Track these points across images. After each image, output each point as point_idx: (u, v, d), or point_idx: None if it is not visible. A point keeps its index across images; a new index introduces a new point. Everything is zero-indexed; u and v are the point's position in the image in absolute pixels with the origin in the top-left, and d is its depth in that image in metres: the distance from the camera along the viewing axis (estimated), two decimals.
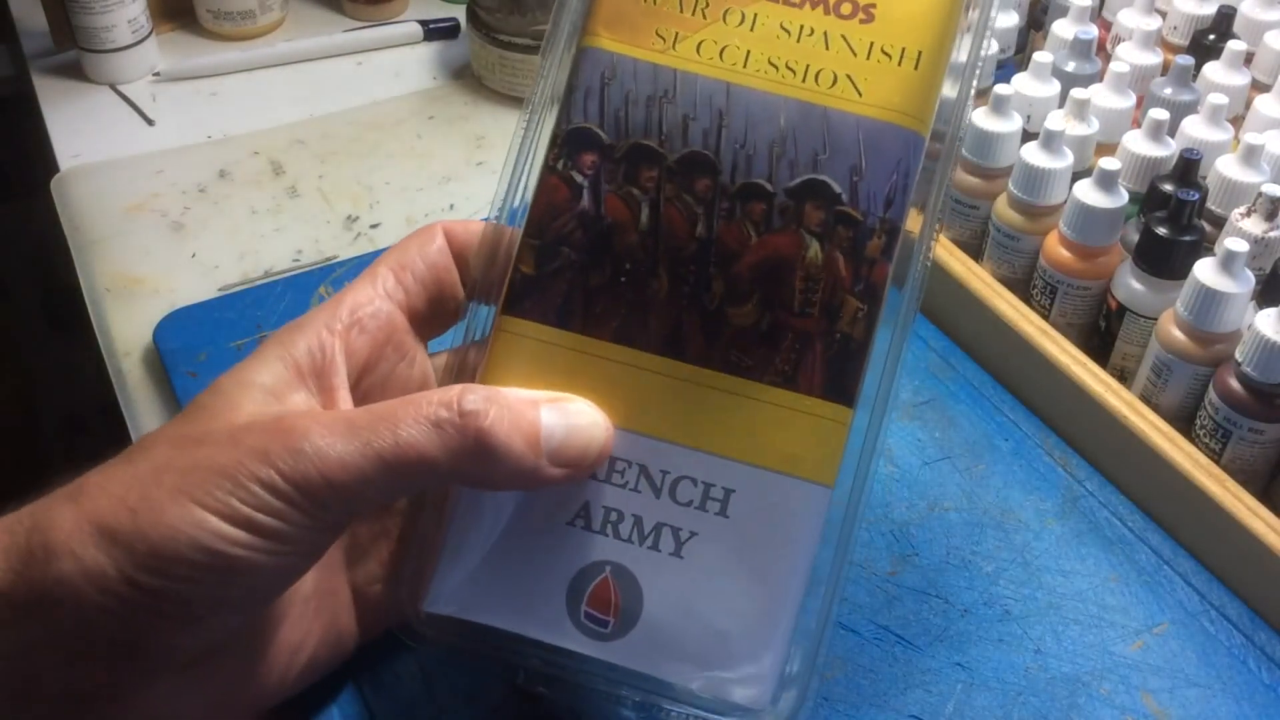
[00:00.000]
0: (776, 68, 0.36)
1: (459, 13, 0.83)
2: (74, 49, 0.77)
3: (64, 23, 0.76)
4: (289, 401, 0.35)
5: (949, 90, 0.37)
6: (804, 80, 0.36)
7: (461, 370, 0.37)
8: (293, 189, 0.69)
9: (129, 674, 0.34)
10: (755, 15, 0.36)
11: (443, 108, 0.76)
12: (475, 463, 0.33)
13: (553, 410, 0.34)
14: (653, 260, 0.36)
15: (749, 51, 0.36)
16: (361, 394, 0.38)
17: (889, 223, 0.35)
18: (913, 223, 0.37)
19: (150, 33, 0.78)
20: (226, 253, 0.64)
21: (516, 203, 0.38)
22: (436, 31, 0.83)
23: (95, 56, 0.77)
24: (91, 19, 0.75)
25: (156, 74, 0.79)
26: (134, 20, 0.76)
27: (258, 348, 0.37)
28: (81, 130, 0.74)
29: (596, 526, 0.35)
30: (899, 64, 0.36)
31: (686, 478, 0.35)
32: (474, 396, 0.33)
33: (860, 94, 0.36)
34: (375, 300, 0.39)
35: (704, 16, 0.37)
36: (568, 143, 0.36)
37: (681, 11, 0.37)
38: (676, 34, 0.36)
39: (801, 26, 0.36)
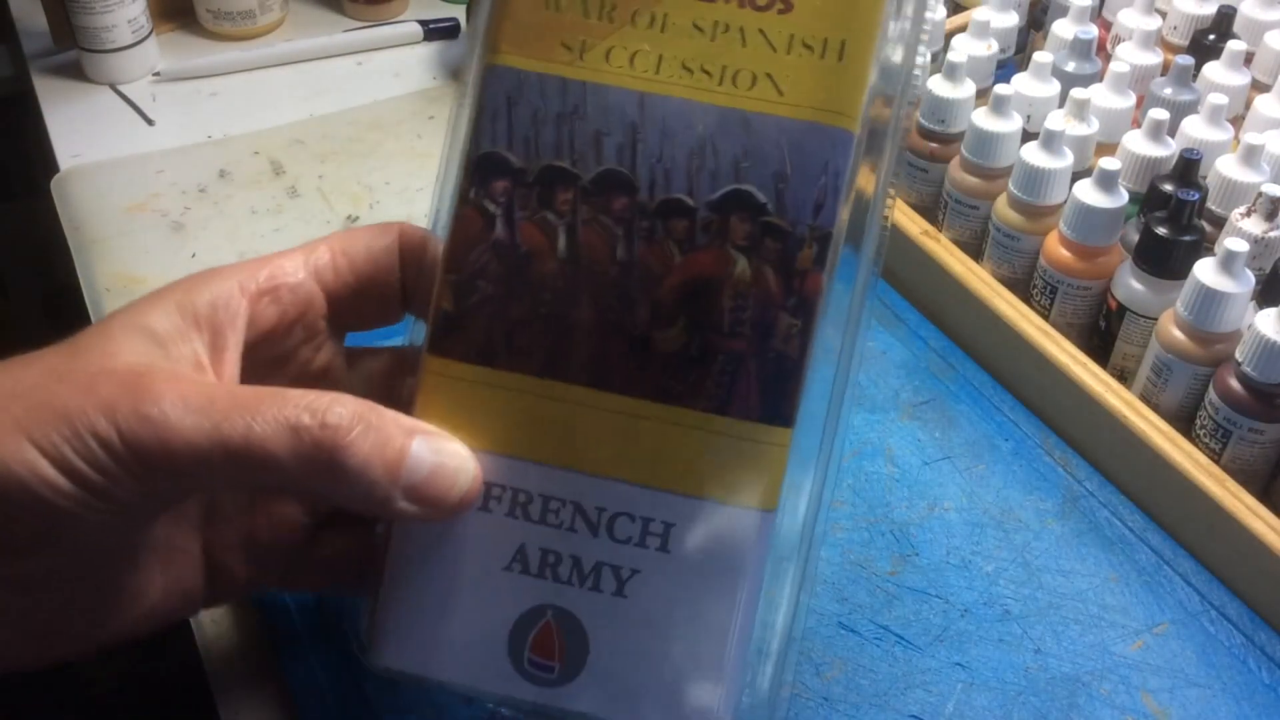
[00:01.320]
0: (691, 71, 0.34)
1: (459, 13, 0.83)
2: (74, 49, 0.77)
3: (64, 23, 0.76)
4: (174, 350, 0.34)
5: (896, 58, 0.35)
6: (721, 83, 0.34)
7: (395, 400, 0.35)
8: (293, 189, 0.69)
9: None
10: (665, 15, 0.34)
11: (443, 108, 0.76)
12: (323, 477, 0.32)
13: (425, 444, 0.33)
14: (573, 288, 0.34)
15: (661, 56, 0.34)
16: (253, 363, 0.37)
17: (819, 230, 0.34)
18: (865, 180, 0.35)
19: (150, 33, 0.78)
20: (226, 253, 0.64)
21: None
22: (436, 31, 0.83)
23: (95, 56, 0.77)
24: (91, 19, 0.75)
25: (156, 74, 0.79)
26: (134, 20, 0.76)
27: (162, 287, 0.36)
28: (81, 130, 0.74)
29: (534, 570, 0.34)
30: (821, 57, 0.34)
31: (624, 514, 0.34)
32: (342, 410, 0.32)
33: (781, 93, 0.34)
34: (299, 273, 0.37)
35: (611, 20, 0.35)
36: (478, 170, 0.35)
37: (587, 17, 0.35)
38: (584, 42, 0.35)
39: (715, 23, 0.34)
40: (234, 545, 0.38)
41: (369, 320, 0.40)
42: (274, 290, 0.37)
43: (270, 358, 0.38)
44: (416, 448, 0.33)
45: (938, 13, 0.59)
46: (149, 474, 0.31)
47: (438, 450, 0.33)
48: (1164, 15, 0.62)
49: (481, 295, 0.35)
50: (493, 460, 0.34)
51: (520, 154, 0.35)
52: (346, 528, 0.40)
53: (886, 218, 0.36)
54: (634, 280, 0.34)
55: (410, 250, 0.39)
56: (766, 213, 0.34)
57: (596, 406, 0.34)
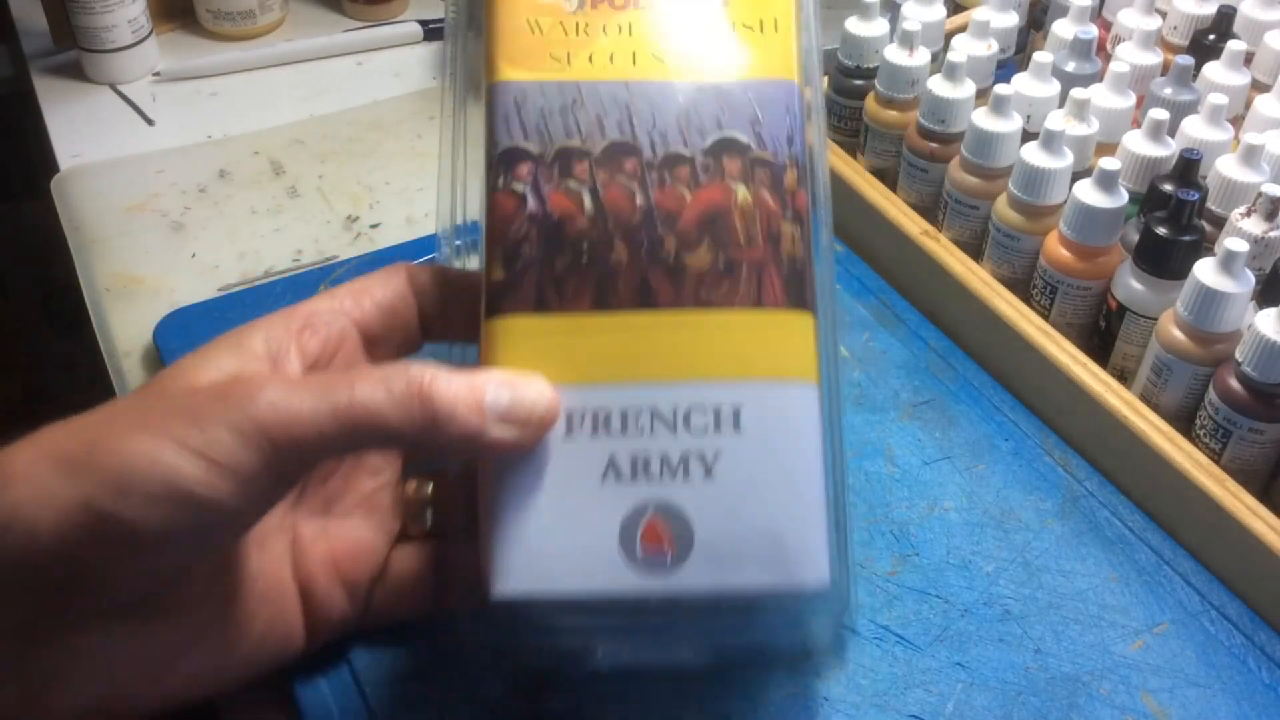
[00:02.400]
0: (662, 60, 0.41)
1: None
2: (74, 49, 0.77)
3: (64, 23, 0.76)
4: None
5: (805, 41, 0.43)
6: (689, 65, 0.41)
7: None
8: (293, 189, 0.69)
9: (70, 610, 0.34)
10: (630, 24, 0.42)
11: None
12: (423, 422, 0.35)
13: (500, 377, 0.37)
14: (607, 235, 0.39)
15: (635, 53, 0.41)
16: None
17: (795, 157, 0.41)
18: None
19: (150, 33, 0.78)
20: (226, 253, 0.64)
21: (460, 220, 0.43)
22: (436, 31, 0.83)
23: (95, 56, 0.77)
24: (91, 19, 0.75)
25: (156, 74, 0.79)
26: (134, 20, 0.76)
27: (212, 341, 0.39)
28: (81, 130, 0.74)
29: (627, 475, 0.38)
30: (761, 32, 0.42)
31: (695, 407, 0.38)
32: (423, 369, 0.36)
33: (736, 65, 0.41)
34: (331, 312, 0.41)
35: (587, 34, 0.41)
36: (501, 162, 0.40)
37: (566, 35, 0.42)
38: (568, 54, 0.41)
39: (671, 23, 0.42)
40: (320, 574, 0.41)
41: (397, 348, 0.43)
42: (311, 325, 0.40)
43: None
44: (493, 384, 0.36)
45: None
46: (272, 449, 0.34)
47: (512, 383, 0.37)
48: (1164, 15, 0.62)
49: (526, 260, 0.39)
50: (565, 392, 0.38)
51: (536, 143, 0.40)
52: (414, 547, 0.43)
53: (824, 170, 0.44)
54: (657, 219, 0.40)
55: (419, 285, 0.43)
56: (751, 150, 0.40)
57: (649, 325, 0.39)
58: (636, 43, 0.41)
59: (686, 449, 0.38)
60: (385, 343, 0.42)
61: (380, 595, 0.42)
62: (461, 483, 0.41)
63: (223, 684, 0.39)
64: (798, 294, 0.39)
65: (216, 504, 0.33)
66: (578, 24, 0.42)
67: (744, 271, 0.39)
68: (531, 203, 0.40)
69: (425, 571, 0.42)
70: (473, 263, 0.44)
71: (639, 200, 0.40)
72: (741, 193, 0.40)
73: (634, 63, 0.41)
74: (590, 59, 0.41)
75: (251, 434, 0.33)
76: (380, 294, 0.42)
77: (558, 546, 0.37)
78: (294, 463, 0.35)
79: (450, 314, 0.42)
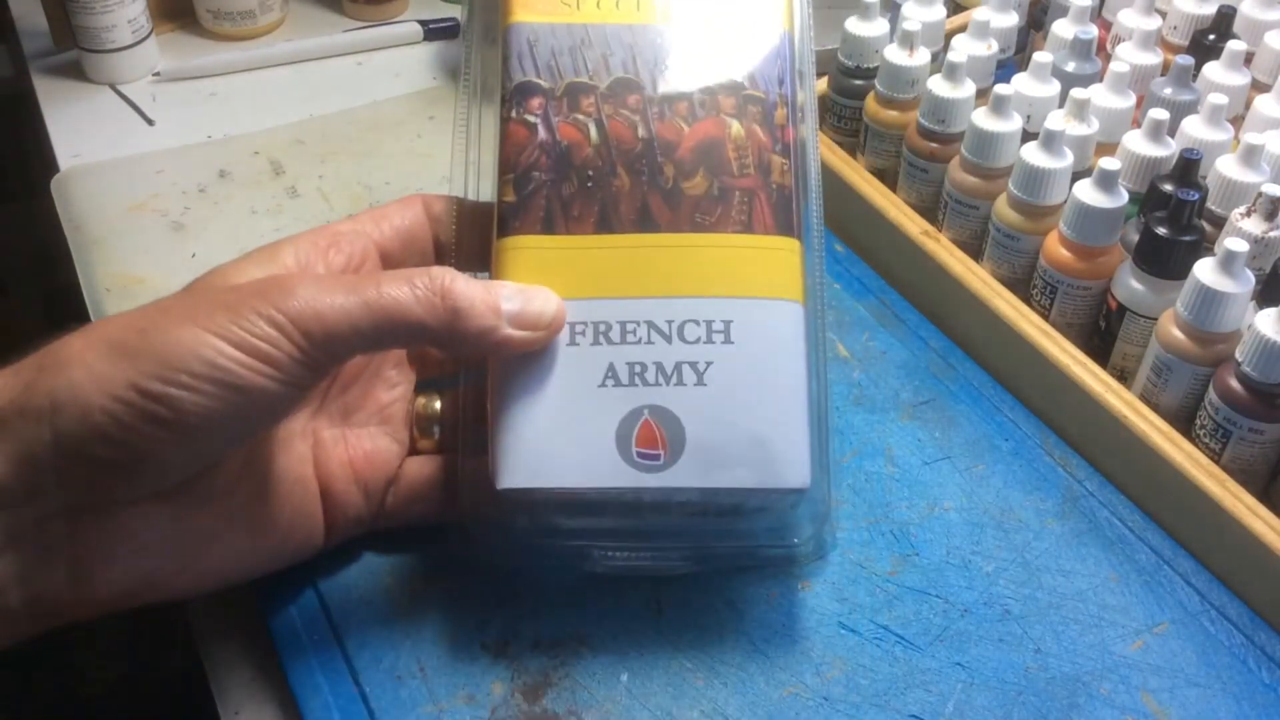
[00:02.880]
0: (662, 9, 0.45)
1: (459, 13, 0.83)
2: (74, 49, 0.77)
3: (64, 23, 0.76)
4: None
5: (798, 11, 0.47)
6: (688, 11, 0.45)
7: None
8: (293, 189, 0.69)
9: (120, 487, 0.37)
10: None
11: (443, 108, 0.76)
12: (445, 316, 0.39)
13: (511, 287, 0.41)
14: (610, 164, 0.43)
15: (638, 1, 0.45)
16: None
17: (785, 96, 0.44)
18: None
19: (150, 33, 0.78)
20: (226, 253, 0.63)
21: (475, 178, 0.46)
22: (436, 31, 0.83)
23: (95, 56, 0.77)
24: (91, 19, 0.75)
25: (156, 74, 0.79)
26: (134, 20, 0.76)
27: (246, 253, 0.42)
28: (81, 130, 0.74)
29: (625, 380, 0.41)
30: None
31: (689, 320, 0.41)
32: (440, 270, 0.39)
33: (733, 10, 0.45)
34: (354, 233, 0.44)
35: None
36: (515, 95, 0.44)
37: None
38: (578, 1, 0.45)
39: None
40: (341, 476, 0.44)
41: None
42: (336, 243, 0.43)
43: None
44: (507, 291, 0.40)
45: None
46: (307, 339, 0.37)
47: (523, 290, 0.41)
48: (1164, 15, 0.62)
49: (536, 184, 0.43)
50: (571, 305, 0.42)
51: (547, 77, 0.44)
52: (425, 458, 0.46)
53: (814, 133, 0.46)
54: (656, 149, 0.43)
55: (434, 214, 0.46)
56: (744, 88, 0.44)
57: (648, 246, 0.42)
58: None
59: (680, 358, 0.41)
60: (402, 265, 0.45)
61: (393, 499, 0.45)
62: (466, 399, 0.45)
63: (250, 571, 0.43)
64: (785, 220, 0.43)
65: (256, 388, 0.36)
66: None
67: (736, 198, 0.42)
68: (542, 132, 0.43)
69: (434, 480, 0.45)
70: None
71: (641, 131, 0.43)
72: (735, 126, 0.43)
73: (638, 8, 0.45)
74: (598, 4, 0.45)
75: (288, 325, 0.36)
76: (399, 219, 0.45)
77: (559, 444, 0.40)
78: (326, 353, 0.38)
79: (463, 241, 0.45)
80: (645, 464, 0.40)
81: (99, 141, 0.73)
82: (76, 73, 0.78)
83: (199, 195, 0.68)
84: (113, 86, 0.78)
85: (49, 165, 0.72)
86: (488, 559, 0.45)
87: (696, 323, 0.41)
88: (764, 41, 0.45)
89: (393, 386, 0.47)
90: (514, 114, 0.44)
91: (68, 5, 0.75)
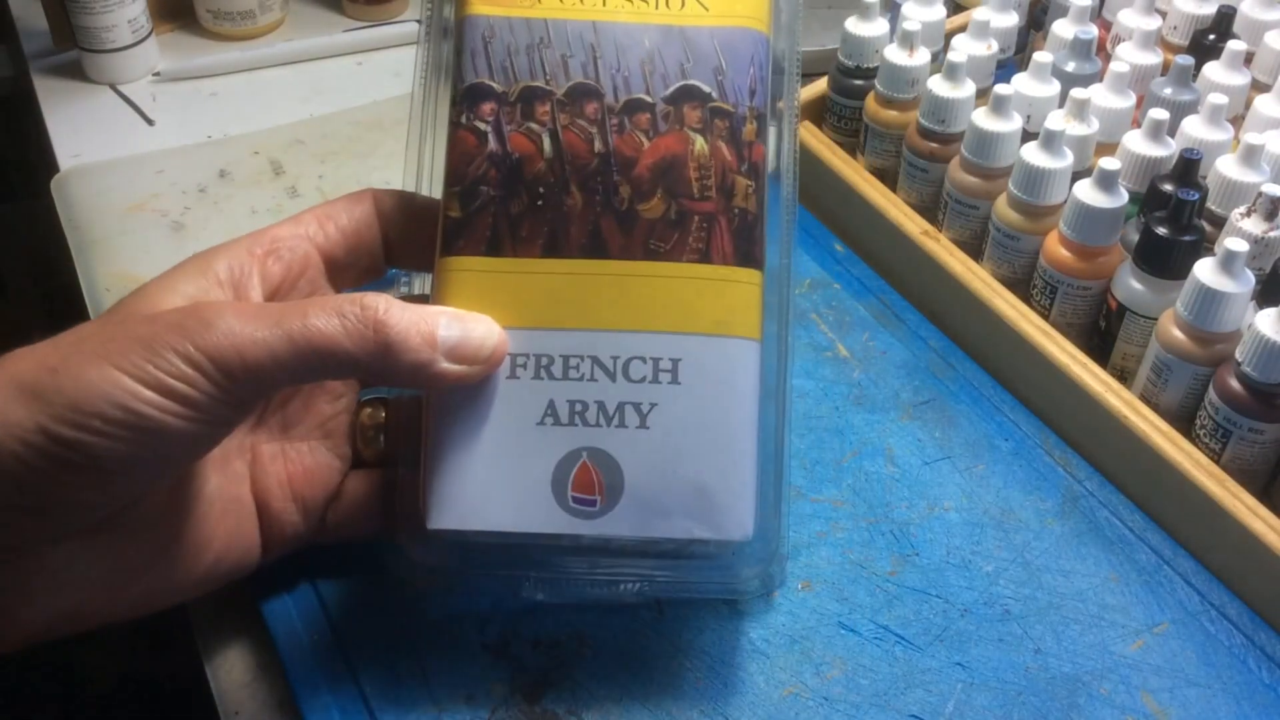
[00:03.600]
0: (631, 1, 0.42)
1: None
2: (74, 49, 0.77)
3: (64, 23, 0.76)
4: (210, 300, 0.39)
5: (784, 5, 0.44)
6: (656, 8, 0.42)
7: None
8: (293, 189, 0.69)
9: (36, 531, 0.35)
10: None
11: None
12: (376, 350, 0.37)
13: (451, 316, 0.38)
14: (563, 180, 0.40)
15: None
16: None
17: (756, 110, 0.41)
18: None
19: (150, 33, 0.78)
20: None
21: (427, 173, 0.43)
22: None
23: (95, 56, 0.77)
24: (91, 19, 0.75)
25: (156, 74, 0.79)
26: (134, 20, 0.76)
27: (176, 265, 0.41)
28: (81, 130, 0.74)
29: (565, 419, 0.39)
30: None
31: (635, 358, 0.39)
32: (375, 297, 0.37)
33: (707, 9, 0.42)
34: (295, 237, 0.42)
35: None
36: (466, 98, 0.41)
37: None
38: None
39: None
40: (278, 493, 0.42)
41: (359, 274, 0.44)
42: (275, 251, 0.41)
43: None
44: (445, 320, 0.38)
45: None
46: (227, 377, 0.35)
47: (462, 318, 0.39)
48: (1164, 15, 0.62)
49: (484, 199, 0.40)
50: (513, 334, 0.39)
51: (500, 80, 0.41)
52: (367, 472, 0.44)
53: (795, 142, 0.44)
54: (613, 166, 0.40)
55: (385, 212, 0.44)
56: (712, 100, 0.41)
57: (597, 273, 0.40)
58: None
59: (623, 398, 0.39)
60: (349, 268, 0.44)
61: (334, 516, 0.44)
62: (412, 409, 0.43)
63: (184, 594, 0.41)
64: (746, 250, 0.40)
65: (172, 430, 0.34)
66: None
67: (695, 223, 0.40)
68: (492, 142, 0.41)
69: (376, 496, 0.44)
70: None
71: (597, 145, 0.40)
72: (699, 143, 0.40)
73: (604, 3, 0.42)
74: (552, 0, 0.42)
75: (205, 363, 0.34)
76: (345, 220, 0.43)
77: (493, 485, 0.39)
78: (249, 389, 0.36)
79: (414, 241, 0.43)
80: (580, 509, 0.39)
81: (99, 141, 0.73)
82: (76, 73, 0.78)
83: (199, 195, 0.68)
84: (113, 86, 0.78)
85: (49, 165, 0.72)
86: (421, 576, 0.43)
87: (643, 360, 0.39)
88: (737, 45, 0.41)
89: (336, 398, 0.44)
90: (464, 119, 0.41)
91: (68, 5, 0.75)
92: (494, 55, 0.41)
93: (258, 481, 0.42)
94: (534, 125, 0.41)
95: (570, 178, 0.40)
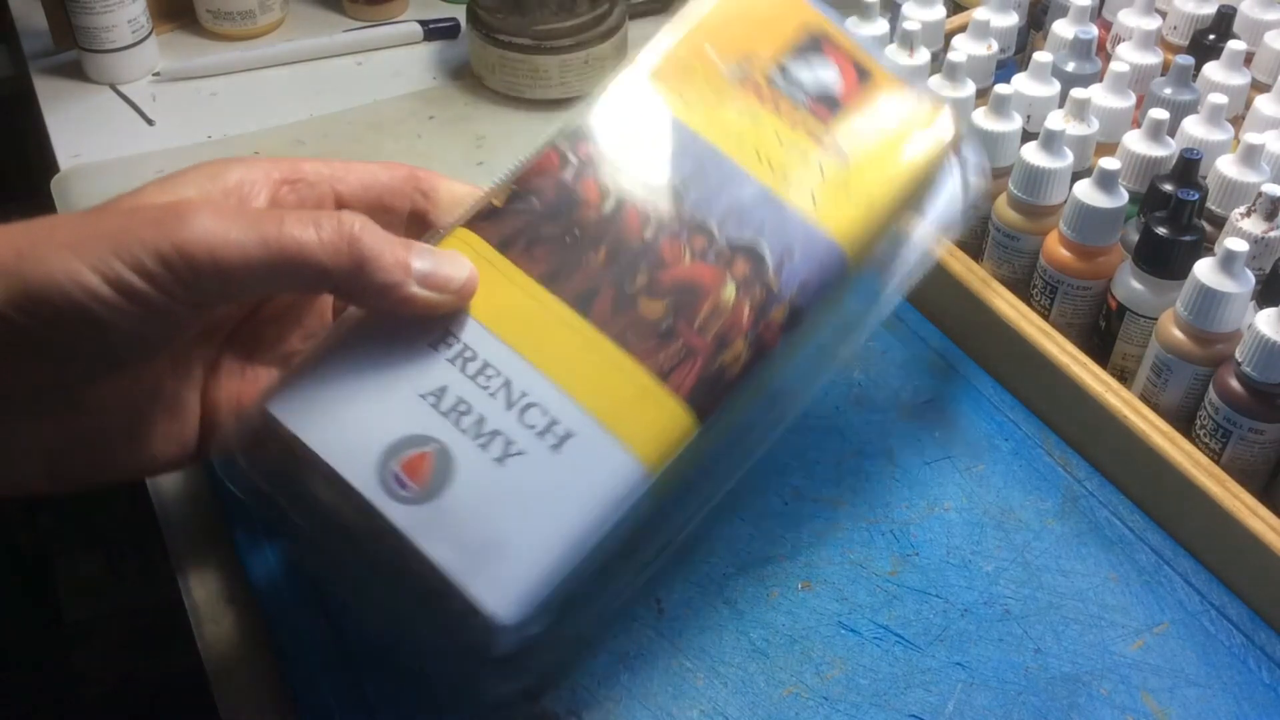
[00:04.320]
0: (760, 158, 0.43)
1: (459, 13, 0.83)
2: (74, 49, 0.77)
3: (64, 23, 0.76)
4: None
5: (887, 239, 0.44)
6: (777, 175, 0.43)
7: None
8: None
9: None
10: (758, 114, 0.44)
11: (443, 108, 0.76)
12: (349, 265, 0.37)
13: (425, 250, 0.39)
14: (601, 237, 0.41)
15: (743, 135, 0.43)
16: None
17: (795, 303, 0.41)
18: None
19: (150, 33, 0.78)
20: None
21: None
22: (436, 31, 0.83)
23: (95, 56, 0.77)
24: (91, 19, 0.75)
25: (156, 74, 0.79)
26: (134, 20, 0.76)
27: (198, 164, 0.40)
28: (81, 130, 0.74)
29: (444, 408, 0.39)
30: (852, 200, 0.43)
31: (539, 406, 0.39)
32: (350, 215, 0.37)
33: (815, 202, 0.42)
34: (319, 175, 0.42)
35: (718, 100, 0.44)
36: (575, 133, 0.43)
37: (705, 88, 0.44)
38: (697, 101, 0.44)
39: (790, 140, 0.43)
40: (225, 409, 0.42)
41: None
42: (296, 181, 0.41)
43: None
44: (418, 248, 0.38)
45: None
46: (195, 276, 0.35)
47: (435, 253, 0.39)
48: (1164, 15, 0.62)
49: (527, 206, 0.41)
50: (468, 321, 0.40)
51: (615, 139, 0.43)
52: None
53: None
54: (648, 256, 0.41)
55: (427, 191, 0.44)
56: (766, 268, 0.41)
57: (567, 323, 0.40)
58: (751, 131, 0.43)
59: (503, 428, 0.38)
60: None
61: None
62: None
63: (121, 479, 0.41)
64: (702, 398, 0.39)
65: (122, 329, 0.35)
66: (722, 89, 0.44)
67: (677, 346, 0.40)
68: (569, 174, 0.42)
69: None
70: None
71: (649, 234, 0.41)
72: (729, 290, 0.41)
73: (739, 143, 0.43)
74: (706, 117, 0.43)
75: (174, 258, 0.34)
76: (376, 181, 0.43)
77: (342, 415, 0.38)
78: (214, 289, 0.36)
79: (438, 223, 0.43)
80: (392, 486, 0.37)
81: (99, 141, 0.73)
82: (76, 73, 0.78)
83: None
84: (113, 86, 0.78)
85: (49, 165, 0.72)
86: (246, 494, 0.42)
87: (544, 411, 0.38)
88: (816, 248, 0.42)
89: (307, 337, 0.44)
90: (561, 143, 0.43)
91: (68, 5, 0.75)
92: (626, 120, 0.43)
93: (209, 393, 0.42)
94: (610, 185, 0.42)
95: (607, 242, 0.41)
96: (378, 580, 0.39)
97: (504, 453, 0.38)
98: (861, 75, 0.45)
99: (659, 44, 0.45)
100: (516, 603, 0.36)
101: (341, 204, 0.42)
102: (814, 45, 0.46)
